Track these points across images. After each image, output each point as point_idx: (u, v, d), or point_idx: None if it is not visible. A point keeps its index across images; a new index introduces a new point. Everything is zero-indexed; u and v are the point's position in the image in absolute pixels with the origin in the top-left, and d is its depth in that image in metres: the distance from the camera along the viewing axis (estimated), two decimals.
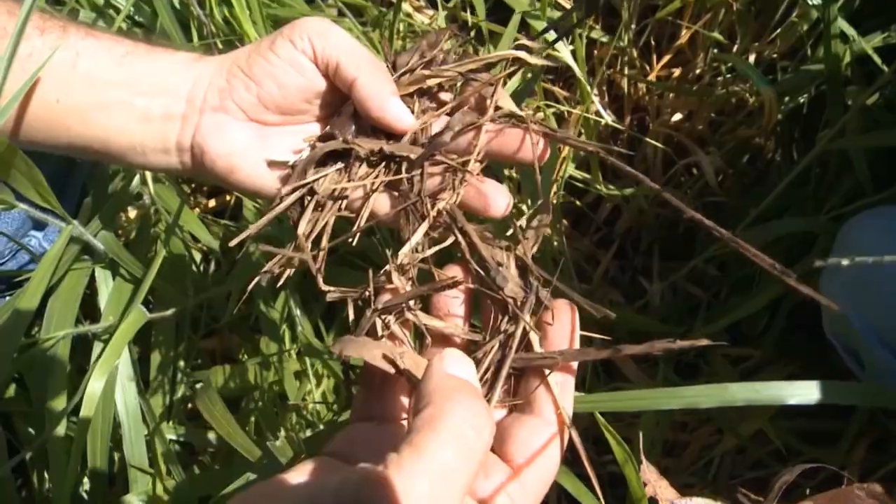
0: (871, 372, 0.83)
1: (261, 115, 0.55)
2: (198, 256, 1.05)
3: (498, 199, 0.53)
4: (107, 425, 0.78)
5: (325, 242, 0.53)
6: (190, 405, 0.95)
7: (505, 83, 0.56)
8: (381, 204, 0.55)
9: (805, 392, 0.62)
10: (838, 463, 0.94)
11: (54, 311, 0.78)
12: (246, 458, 0.73)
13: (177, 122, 0.55)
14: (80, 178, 0.90)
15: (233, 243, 0.53)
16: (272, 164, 0.55)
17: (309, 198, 0.54)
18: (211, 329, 1.00)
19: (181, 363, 0.93)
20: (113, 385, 0.79)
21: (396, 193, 0.54)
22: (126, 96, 0.55)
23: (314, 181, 0.53)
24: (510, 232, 0.50)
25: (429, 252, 0.50)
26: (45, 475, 0.89)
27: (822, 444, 0.95)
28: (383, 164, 0.54)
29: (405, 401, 0.47)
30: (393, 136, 0.55)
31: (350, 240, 0.52)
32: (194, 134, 0.55)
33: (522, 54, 0.55)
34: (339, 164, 0.54)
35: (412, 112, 0.55)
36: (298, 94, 0.55)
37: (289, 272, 0.52)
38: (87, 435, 0.78)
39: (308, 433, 0.91)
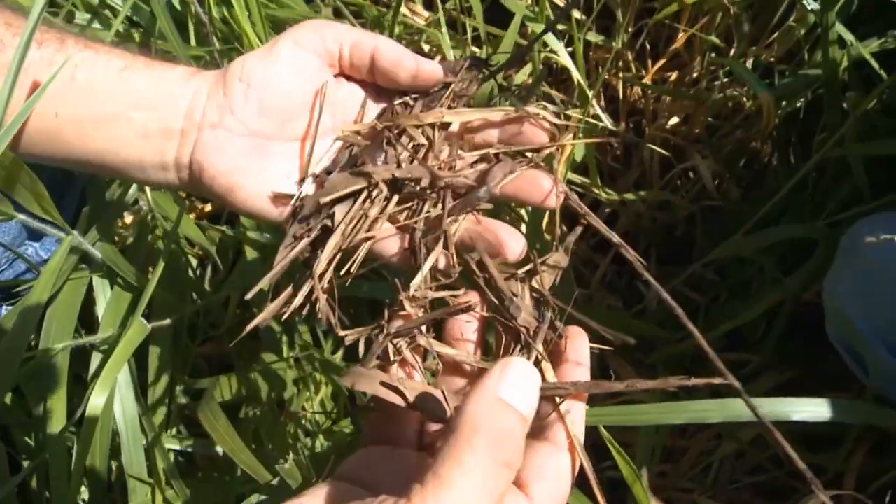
0: (875, 376, 0.84)
1: (262, 125, 0.55)
2: (194, 262, 1.05)
3: (512, 243, 0.52)
4: (106, 436, 0.78)
5: (326, 282, 0.52)
6: (188, 412, 0.95)
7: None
8: (390, 245, 0.54)
9: (811, 409, 0.62)
10: (837, 468, 0.94)
11: (53, 322, 0.78)
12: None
13: (175, 139, 0.55)
14: (79, 186, 0.89)
15: (248, 296, 0.51)
16: (277, 196, 0.54)
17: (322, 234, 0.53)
18: (208, 336, 1.00)
19: (179, 371, 0.92)
20: (112, 396, 0.79)
21: (408, 233, 0.53)
22: (124, 110, 0.54)
23: (328, 216, 0.52)
24: (528, 268, 0.50)
25: (440, 294, 0.50)
26: (45, 484, 0.88)
27: (822, 450, 0.95)
28: (396, 198, 0.54)
29: (418, 425, 0.47)
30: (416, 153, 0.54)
31: (350, 275, 0.52)
32: (193, 151, 0.54)
33: (549, 115, 0.55)
34: (353, 199, 0.53)
35: (434, 144, 0.55)
36: (300, 96, 0.55)
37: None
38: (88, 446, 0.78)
39: (308, 441, 0.90)
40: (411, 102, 0.57)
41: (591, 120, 1.06)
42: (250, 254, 0.96)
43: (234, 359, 0.94)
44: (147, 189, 0.93)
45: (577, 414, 0.43)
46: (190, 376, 0.94)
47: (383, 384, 0.43)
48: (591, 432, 0.71)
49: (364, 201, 0.53)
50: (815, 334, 0.91)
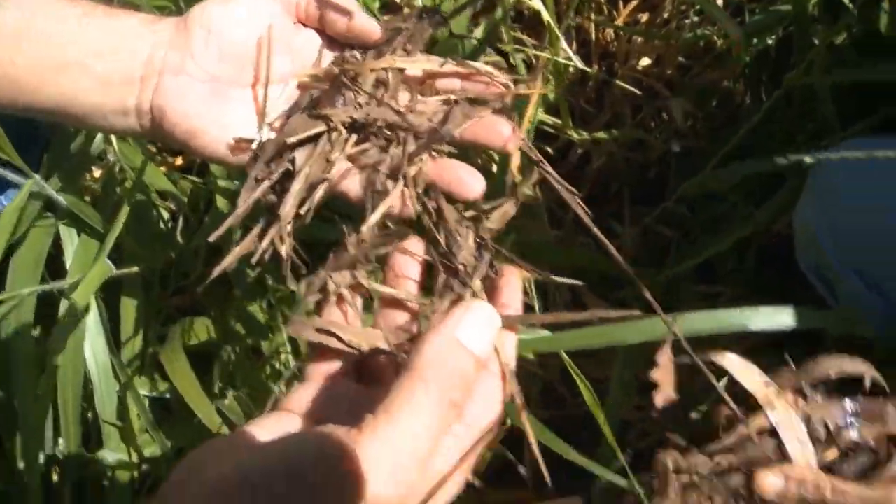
0: (844, 302, 0.84)
1: (223, 71, 0.54)
2: (165, 214, 1.05)
3: (472, 182, 0.53)
4: (77, 380, 0.78)
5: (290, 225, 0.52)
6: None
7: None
8: (353, 185, 0.54)
9: (768, 318, 0.62)
10: None
11: (18, 268, 0.78)
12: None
13: (136, 85, 0.54)
14: (44, 133, 0.88)
15: (212, 238, 0.51)
16: (239, 140, 0.54)
17: (286, 178, 0.53)
18: (181, 285, 1.00)
19: (153, 320, 0.92)
20: (82, 341, 0.79)
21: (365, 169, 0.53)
22: (83, 58, 0.53)
23: (290, 160, 0.52)
24: (474, 214, 0.52)
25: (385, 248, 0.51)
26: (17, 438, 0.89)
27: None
28: (355, 138, 0.54)
29: (358, 360, 0.48)
30: (372, 100, 0.54)
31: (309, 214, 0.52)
32: (153, 97, 0.54)
33: (496, 73, 0.56)
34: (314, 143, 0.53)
35: (390, 88, 0.55)
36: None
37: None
38: (58, 391, 0.78)
39: (283, 387, 0.91)
40: (359, 56, 0.57)
41: (563, 60, 1.06)
42: (221, 203, 0.96)
43: (206, 306, 0.94)
44: (114, 140, 0.92)
45: (508, 344, 0.44)
46: (163, 326, 0.94)
47: (319, 330, 0.45)
48: (567, 373, 0.72)
49: (325, 144, 0.53)
50: (787, 266, 0.91)
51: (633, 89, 1.09)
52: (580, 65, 1.10)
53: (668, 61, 1.15)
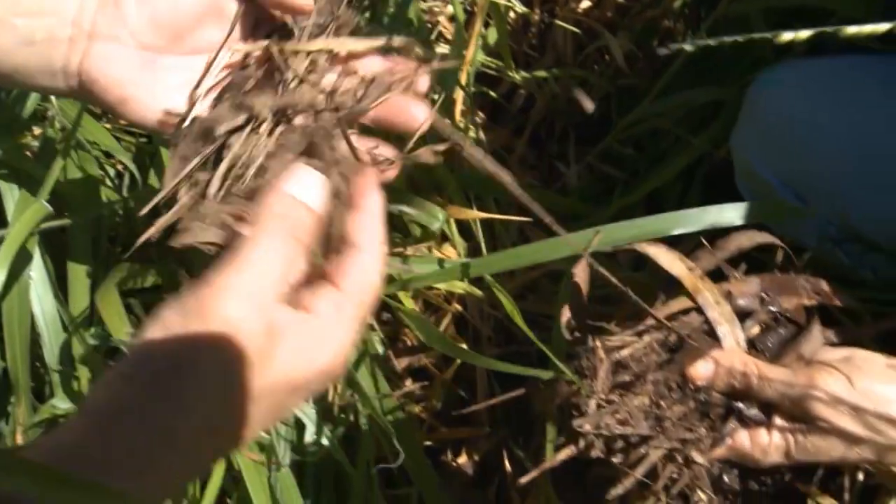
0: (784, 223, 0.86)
1: (154, 38, 0.53)
2: (112, 172, 1.04)
3: (416, 111, 0.54)
4: (24, 331, 0.78)
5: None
6: None
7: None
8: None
9: (691, 219, 0.63)
10: None
11: None
12: None
13: (62, 46, 0.52)
14: None
15: (141, 213, 0.52)
16: (168, 112, 0.53)
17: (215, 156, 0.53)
18: (129, 242, 0.99)
19: (100, 272, 0.92)
20: (27, 291, 0.79)
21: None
22: (5, 16, 0.51)
23: (220, 143, 0.52)
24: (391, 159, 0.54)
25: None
26: None
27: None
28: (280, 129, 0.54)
29: None
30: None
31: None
32: (82, 60, 0.52)
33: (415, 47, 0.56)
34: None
35: (319, 70, 0.56)
36: (191, 8, 0.53)
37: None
38: (6, 342, 0.78)
39: None
40: (296, 32, 0.57)
41: (503, 3, 1.07)
42: (167, 158, 0.96)
43: (153, 259, 0.94)
44: (53, 99, 0.92)
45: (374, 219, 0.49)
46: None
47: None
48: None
49: (251, 130, 0.53)
50: (732, 199, 0.93)
51: (574, 29, 1.10)
52: (521, 8, 1.11)
53: (607, 2, 1.16)
